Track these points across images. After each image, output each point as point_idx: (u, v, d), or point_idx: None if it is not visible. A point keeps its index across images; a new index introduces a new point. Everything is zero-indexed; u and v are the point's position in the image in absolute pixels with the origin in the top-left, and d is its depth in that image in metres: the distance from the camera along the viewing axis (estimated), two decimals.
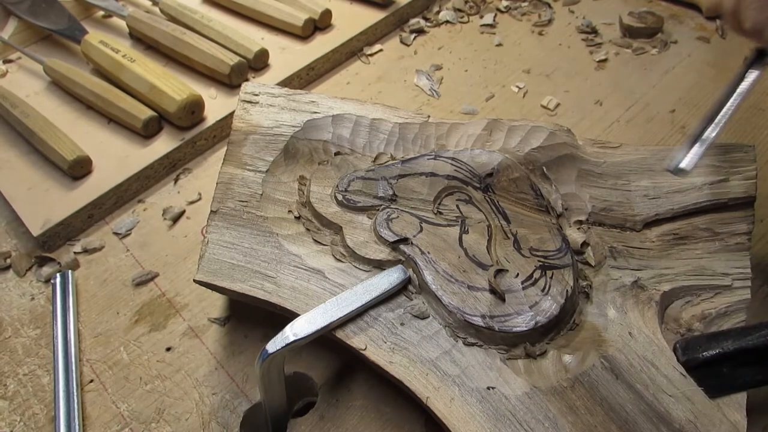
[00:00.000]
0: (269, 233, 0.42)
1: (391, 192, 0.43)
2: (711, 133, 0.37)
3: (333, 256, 0.41)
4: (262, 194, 0.44)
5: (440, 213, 0.42)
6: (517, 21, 0.71)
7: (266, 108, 0.49)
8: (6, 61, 0.68)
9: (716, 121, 0.38)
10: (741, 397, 0.35)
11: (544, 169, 0.43)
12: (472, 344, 0.37)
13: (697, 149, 0.37)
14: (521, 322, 0.36)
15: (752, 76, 0.39)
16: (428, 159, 0.44)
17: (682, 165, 0.37)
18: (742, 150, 0.43)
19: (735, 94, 0.38)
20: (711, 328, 0.38)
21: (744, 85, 0.38)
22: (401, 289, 0.39)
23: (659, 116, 0.59)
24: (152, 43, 0.67)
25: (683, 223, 0.42)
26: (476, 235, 0.40)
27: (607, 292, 0.39)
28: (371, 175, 0.44)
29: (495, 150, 0.44)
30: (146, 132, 0.57)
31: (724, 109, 0.38)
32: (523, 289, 0.38)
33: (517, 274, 0.38)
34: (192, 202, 0.55)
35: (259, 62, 0.64)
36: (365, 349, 0.37)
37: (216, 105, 0.61)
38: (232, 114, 0.52)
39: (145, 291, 0.49)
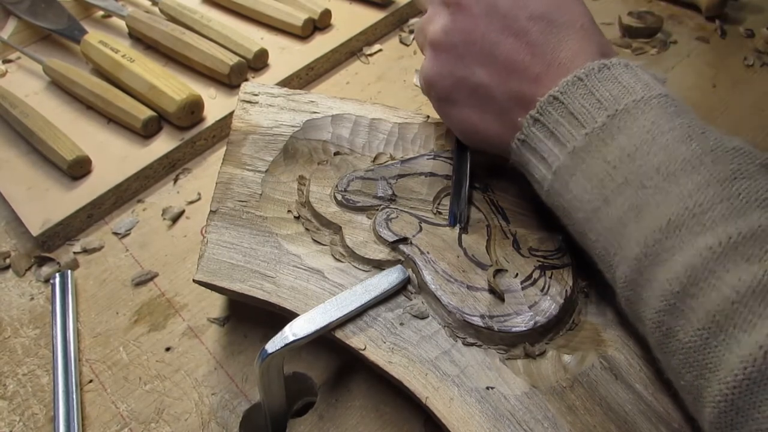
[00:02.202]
0: (268, 233, 0.42)
1: (390, 192, 0.43)
2: (464, 192, 0.42)
3: (332, 256, 0.41)
4: (261, 194, 0.44)
5: (439, 213, 0.42)
6: None
7: (266, 108, 0.49)
8: (5, 61, 0.68)
9: (464, 182, 0.42)
10: None
11: None
12: (472, 344, 0.37)
13: (458, 207, 0.41)
14: (520, 322, 0.36)
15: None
16: (427, 159, 0.44)
17: (456, 224, 0.41)
18: None
19: (467, 163, 0.43)
20: None
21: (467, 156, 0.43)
22: (400, 289, 0.39)
23: None
24: (152, 43, 0.67)
25: None
26: (475, 235, 0.40)
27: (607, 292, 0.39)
28: (371, 175, 0.44)
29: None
30: (146, 132, 0.57)
31: (468, 169, 0.42)
32: (523, 289, 0.38)
33: (517, 274, 0.38)
34: (191, 202, 0.55)
35: (258, 62, 0.64)
36: (364, 349, 0.37)
37: (215, 105, 0.61)
38: (231, 114, 0.52)
39: (144, 291, 0.49)
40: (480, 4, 0.37)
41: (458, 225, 0.41)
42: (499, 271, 0.38)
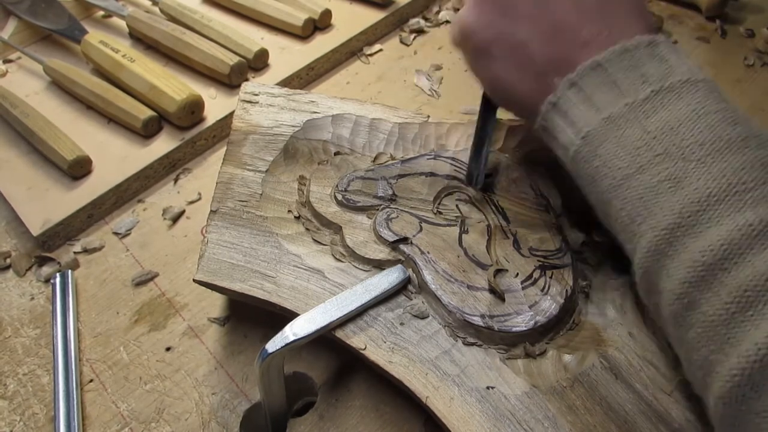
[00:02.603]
0: (269, 233, 0.42)
1: (390, 192, 0.43)
2: (485, 152, 0.41)
3: (333, 255, 0.41)
4: (261, 194, 0.44)
5: (440, 213, 0.42)
6: None
7: (266, 108, 0.49)
8: (6, 61, 0.68)
9: (486, 143, 0.41)
10: None
11: (544, 169, 0.43)
12: (472, 344, 0.37)
13: (476, 167, 0.41)
14: (521, 322, 0.36)
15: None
16: (428, 159, 0.44)
17: (472, 184, 0.42)
18: None
19: (491, 125, 0.42)
20: None
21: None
22: (401, 288, 0.39)
23: None
24: (152, 43, 0.67)
25: None
26: (476, 234, 0.40)
27: (607, 292, 0.39)
28: (371, 175, 0.44)
29: (494, 150, 0.44)
30: (146, 132, 0.57)
31: (492, 131, 0.42)
32: (523, 288, 0.38)
33: (517, 274, 0.38)
34: (192, 202, 0.55)
35: (258, 62, 0.64)
36: (365, 348, 0.37)
37: (216, 105, 0.61)
38: (231, 114, 0.52)
39: (144, 291, 0.49)
40: None
41: (475, 185, 0.41)
42: (499, 271, 0.38)
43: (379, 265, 0.40)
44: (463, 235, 0.40)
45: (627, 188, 0.32)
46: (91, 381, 0.43)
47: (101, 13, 0.73)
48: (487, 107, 0.42)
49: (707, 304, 0.28)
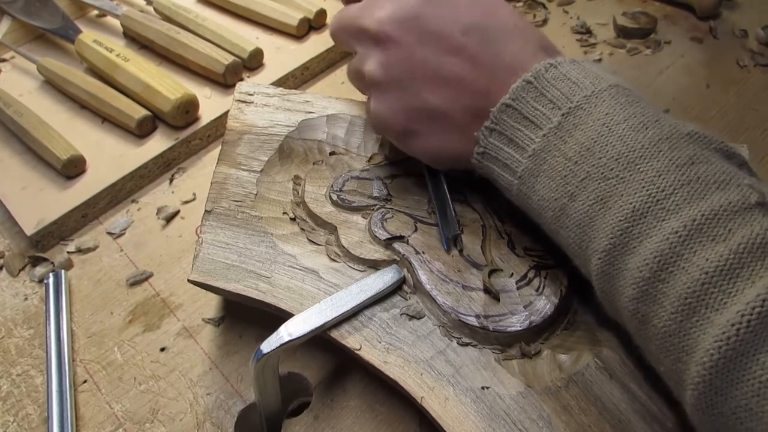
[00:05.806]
0: (264, 233, 0.42)
1: (385, 192, 0.43)
2: (450, 214, 0.41)
3: (328, 256, 0.41)
4: (256, 194, 0.44)
5: (435, 213, 0.42)
6: None
7: (261, 108, 0.49)
8: None
9: (447, 205, 0.41)
10: None
11: None
12: (467, 344, 0.37)
13: (449, 231, 0.40)
14: (516, 322, 0.36)
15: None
16: None
17: (444, 248, 0.40)
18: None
19: (444, 185, 0.42)
20: None
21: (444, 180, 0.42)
22: (396, 289, 0.39)
23: None
24: (146, 43, 0.66)
25: None
26: (471, 234, 0.40)
27: None
28: (366, 175, 0.44)
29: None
30: (140, 131, 0.57)
31: (447, 191, 0.42)
32: (518, 288, 0.38)
33: (512, 274, 0.38)
34: (186, 202, 0.55)
35: (253, 62, 0.64)
36: (360, 349, 0.37)
37: (210, 104, 0.60)
38: (226, 113, 0.52)
39: (139, 291, 0.48)
40: (410, 32, 0.37)
41: (455, 248, 0.40)
42: (494, 271, 0.38)
43: (375, 265, 0.40)
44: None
45: (566, 217, 0.33)
46: (85, 381, 0.43)
47: (95, 12, 0.72)
48: (433, 174, 0.42)
49: (656, 317, 0.28)
